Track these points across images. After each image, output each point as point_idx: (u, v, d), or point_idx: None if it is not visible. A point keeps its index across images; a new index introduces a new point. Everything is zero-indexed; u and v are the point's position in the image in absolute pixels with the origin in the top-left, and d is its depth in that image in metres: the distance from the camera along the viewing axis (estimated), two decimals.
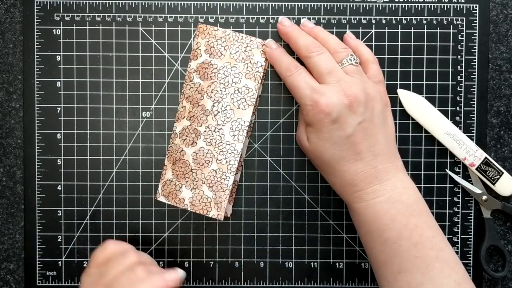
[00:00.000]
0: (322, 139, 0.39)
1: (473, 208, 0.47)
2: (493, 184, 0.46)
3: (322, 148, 0.39)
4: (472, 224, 0.47)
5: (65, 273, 0.46)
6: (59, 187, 0.46)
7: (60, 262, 0.46)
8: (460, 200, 0.47)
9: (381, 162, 0.39)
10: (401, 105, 0.46)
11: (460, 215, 0.47)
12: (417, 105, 0.46)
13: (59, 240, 0.46)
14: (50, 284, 0.46)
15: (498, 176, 0.46)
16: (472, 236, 0.47)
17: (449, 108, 0.46)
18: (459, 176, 0.46)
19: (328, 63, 0.40)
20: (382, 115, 0.40)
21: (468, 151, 0.45)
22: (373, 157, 0.39)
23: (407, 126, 0.46)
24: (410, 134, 0.46)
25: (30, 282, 0.46)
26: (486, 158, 0.45)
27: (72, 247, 0.46)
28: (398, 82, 0.46)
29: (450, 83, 0.46)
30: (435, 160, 0.46)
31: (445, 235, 0.46)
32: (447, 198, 0.47)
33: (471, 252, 0.47)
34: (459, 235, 0.47)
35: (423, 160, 0.46)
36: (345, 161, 0.39)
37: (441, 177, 0.47)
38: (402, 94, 0.46)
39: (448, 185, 0.47)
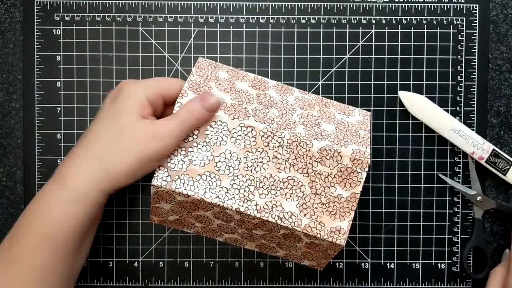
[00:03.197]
0: None
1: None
2: (504, 174, 0.45)
3: None
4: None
5: None
6: None
7: None
8: (460, 200, 0.47)
9: None
10: (401, 105, 0.46)
11: (460, 215, 0.47)
12: (419, 105, 0.46)
13: None
14: None
15: (508, 166, 0.45)
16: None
17: (449, 108, 0.46)
18: (459, 176, 0.46)
19: None
20: None
21: (476, 145, 0.45)
22: None
23: (407, 126, 0.46)
24: (410, 134, 0.46)
25: None
26: (494, 149, 0.45)
27: None
28: (398, 82, 0.46)
29: (450, 83, 0.46)
30: (435, 160, 0.46)
31: (445, 235, 0.47)
32: (447, 198, 0.47)
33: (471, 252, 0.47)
34: (459, 235, 0.47)
35: (423, 160, 0.46)
36: None
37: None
38: (404, 96, 0.46)
39: (448, 185, 0.47)
